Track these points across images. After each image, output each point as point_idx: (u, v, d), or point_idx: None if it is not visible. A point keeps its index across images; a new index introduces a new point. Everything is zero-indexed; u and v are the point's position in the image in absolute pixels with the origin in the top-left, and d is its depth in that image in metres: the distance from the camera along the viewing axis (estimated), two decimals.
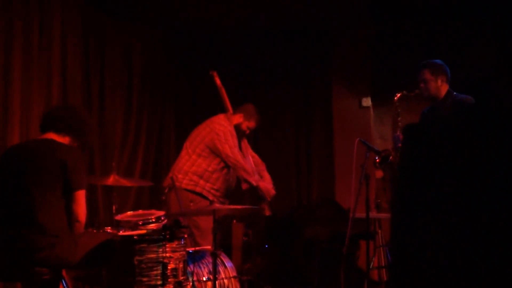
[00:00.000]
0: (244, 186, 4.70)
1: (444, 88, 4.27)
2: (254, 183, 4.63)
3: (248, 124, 4.87)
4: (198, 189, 4.63)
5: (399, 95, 4.50)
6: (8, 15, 4.48)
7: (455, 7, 5.77)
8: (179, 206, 4.24)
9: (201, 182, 4.63)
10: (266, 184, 4.79)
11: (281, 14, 6.27)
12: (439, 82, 4.26)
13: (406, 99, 4.53)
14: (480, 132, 1.58)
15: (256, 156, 5.11)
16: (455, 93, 4.28)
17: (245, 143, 4.99)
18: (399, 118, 4.50)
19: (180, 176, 4.62)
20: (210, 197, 4.68)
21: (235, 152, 4.62)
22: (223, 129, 4.67)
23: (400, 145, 4.31)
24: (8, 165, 3.27)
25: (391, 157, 4.37)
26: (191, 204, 4.59)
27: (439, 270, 1.57)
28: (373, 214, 4.76)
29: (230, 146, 4.61)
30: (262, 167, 5.06)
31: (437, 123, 1.75)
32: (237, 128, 4.83)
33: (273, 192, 4.76)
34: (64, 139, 3.33)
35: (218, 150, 4.60)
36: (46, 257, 3.08)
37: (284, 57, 6.78)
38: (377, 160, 4.43)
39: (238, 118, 4.84)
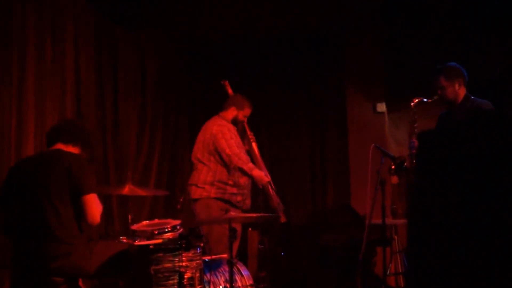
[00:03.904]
0: (242, 180, 4.76)
1: (462, 92, 4.17)
2: (249, 171, 4.69)
3: (244, 113, 5.00)
4: (226, 197, 4.72)
5: (416, 100, 4.32)
6: (21, 27, 4.52)
7: (468, 9, 5.73)
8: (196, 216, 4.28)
9: (228, 188, 4.71)
10: (261, 172, 4.79)
11: (293, 21, 6.27)
12: (456, 86, 4.16)
13: (422, 105, 4.40)
14: (494, 138, 1.56)
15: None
16: (472, 97, 4.18)
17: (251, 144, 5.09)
18: (415, 125, 4.35)
19: (207, 186, 4.73)
20: (238, 205, 4.75)
21: (230, 144, 4.73)
22: (220, 128, 4.81)
23: (414, 151, 4.23)
24: (18, 177, 3.32)
25: (406, 164, 4.30)
26: (222, 212, 4.63)
27: (457, 274, 1.56)
28: (389, 220, 4.73)
29: (226, 139, 4.74)
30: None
31: (451, 130, 1.74)
32: (235, 121, 4.97)
33: (266, 179, 4.74)
34: (73, 149, 3.38)
35: (217, 148, 4.73)
36: (61, 266, 3.10)
37: (297, 63, 6.78)
38: (393, 167, 4.36)
39: (232, 112, 4.97)
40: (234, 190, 4.76)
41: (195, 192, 4.72)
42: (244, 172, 4.72)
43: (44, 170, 3.25)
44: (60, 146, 3.37)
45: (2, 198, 3.35)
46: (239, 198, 4.78)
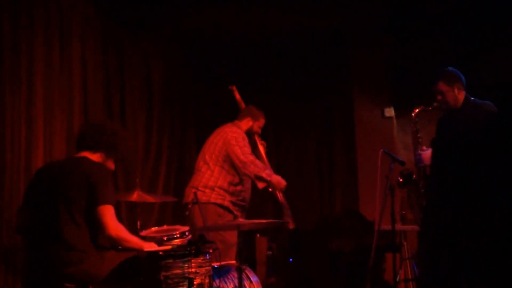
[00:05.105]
0: (260, 185, 4.71)
1: (461, 96, 4.17)
2: (267, 177, 4.65)
3: (259, 124, 5.02)
4: (226, 203, 4.70)
5: (417, 110, 4.31)
6: (30, 33, 4.55)
7: (475, 14, 5.72)
8: (203, 221, 4.26)
9: (228, 196, 4.70)
10: (278, 177, 4.76)
11: (301, 27, 6.28)
12: (456, 90, 4.14)
13: (425, 114, 4.36)
14: (509, 142, 1.55)
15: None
16: (472, 98, 4.17)
17: (259, 148, 5.09)
18: (418, 135, 4.32)
19: (207, 191, 4.68)
20: (235, 212, 4.73)
21: (245, 151, 4.70)
22: (235, 135, 4.79)
23: (421, 164, 4.16)
24: (42, 180, 3.35)
25: (414, 176, 4.21)
26: (219, 218, 4.63)
27: (469, 281, 1.55)
28: (399, 226, 4.71)
29: (240, 146, 4.71)
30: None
31: (466, 136, 1.73)
32: (250, 131, 4.96)
33: (284, 183, 4.72)
34: (98, 157, 3.40)
35: (229, 154, 4.70)
36: (74, 273, 3.12)
37: (304, 68, 6.79)
38: (400, 180, 4.24)
39: (247, 123, 4.97)
40: (233, 199, 4.75)
41: (195, 196, 4.66)
42: (261, 179, 4.66)
43: (65, 176, 3.27)
44: (87, 154, 3.39)
45: (25, 199, 3.38)
46: (237, 207, 4.77)
